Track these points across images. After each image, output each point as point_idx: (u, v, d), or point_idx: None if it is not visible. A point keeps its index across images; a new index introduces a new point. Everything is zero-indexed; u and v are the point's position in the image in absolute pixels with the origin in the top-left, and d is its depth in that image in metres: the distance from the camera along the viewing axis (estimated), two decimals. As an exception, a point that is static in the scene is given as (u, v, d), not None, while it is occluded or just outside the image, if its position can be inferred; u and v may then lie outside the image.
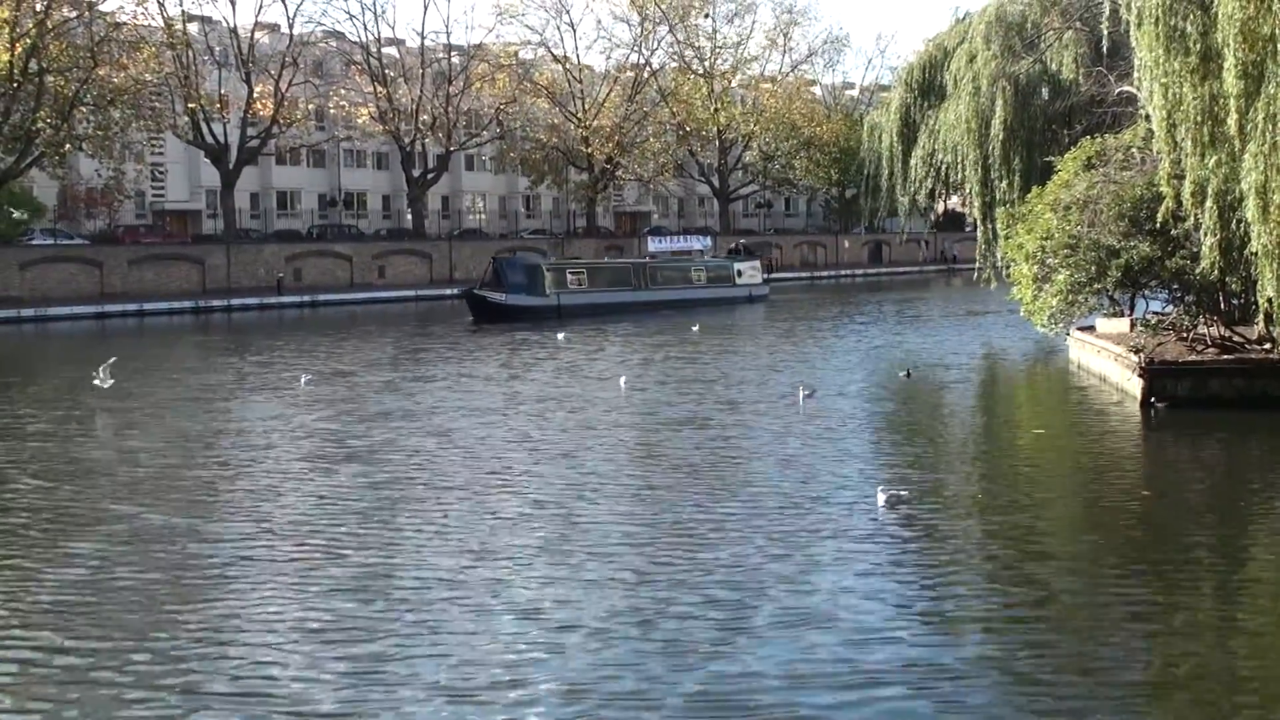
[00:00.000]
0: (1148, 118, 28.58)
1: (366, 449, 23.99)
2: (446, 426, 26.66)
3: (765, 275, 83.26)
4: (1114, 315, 34.80)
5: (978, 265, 46.64)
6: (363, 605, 13.88)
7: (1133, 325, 33.02)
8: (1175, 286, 30.72)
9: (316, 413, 29.03)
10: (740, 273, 78.61)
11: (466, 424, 27.00)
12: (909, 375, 33.69)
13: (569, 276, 67.65)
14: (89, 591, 14.73)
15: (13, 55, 69.66)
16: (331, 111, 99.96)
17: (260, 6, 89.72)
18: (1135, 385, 27.77)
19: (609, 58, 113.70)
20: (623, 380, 33.03)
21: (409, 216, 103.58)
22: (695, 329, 51.66)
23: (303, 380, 34.78)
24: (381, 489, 20.07)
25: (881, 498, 18.21)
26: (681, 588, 14.32)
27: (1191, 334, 29.83)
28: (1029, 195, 36.37)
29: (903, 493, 18.34)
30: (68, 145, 74.76)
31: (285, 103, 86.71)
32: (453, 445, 24.35)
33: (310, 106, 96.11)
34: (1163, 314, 32.73)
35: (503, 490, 19.80)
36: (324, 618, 13.50)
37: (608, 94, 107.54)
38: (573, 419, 27.60)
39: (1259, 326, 28.38)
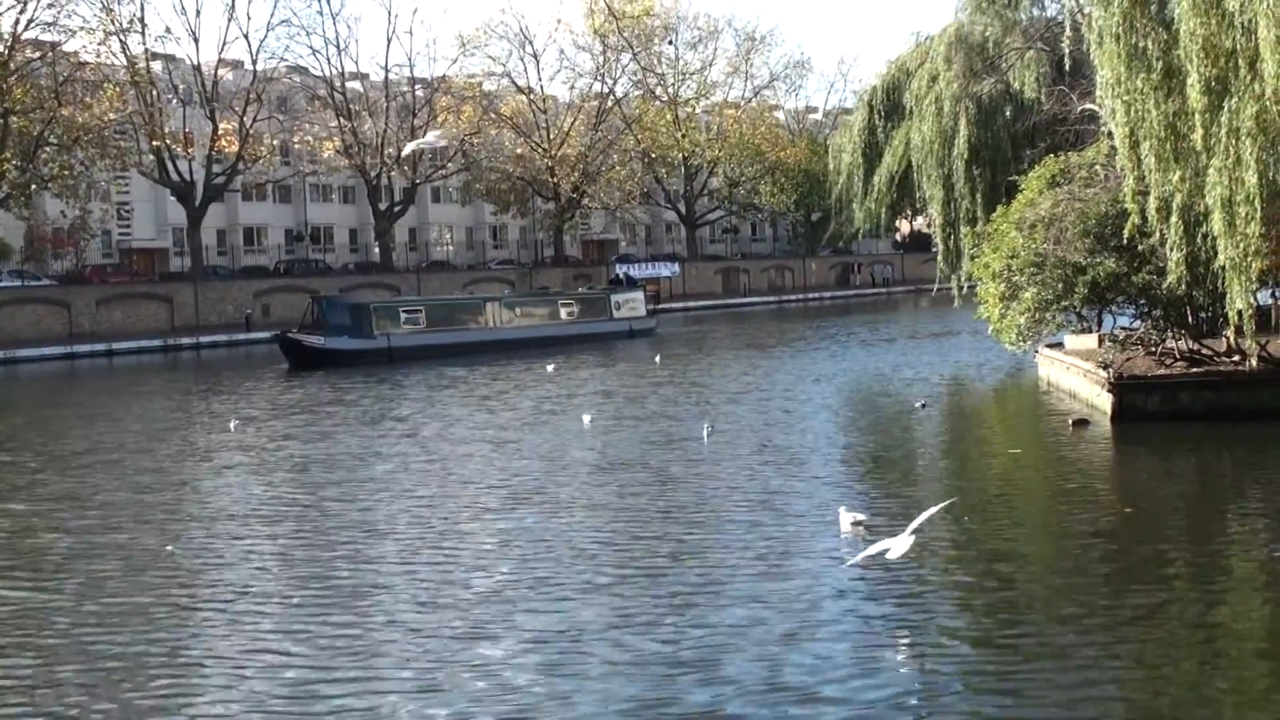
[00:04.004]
0: (1110, 135, 28.81)
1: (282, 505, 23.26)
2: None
3: (651, 307, 75.22)
4: (1082, 331, 34.98)
5: (938, 284, 46.83)
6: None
7: (1101, 341, 33.21)
8: (1142, 301, 30.90)
9: (229, 463, 27.60)
10: (618, 305, 70.79)
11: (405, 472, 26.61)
12: (924, 406, 32.20)
13: (402, 315, 60.97)
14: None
15: (-25, 98, 69.56)
16: (296, 146, 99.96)
17: (223, 44, 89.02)
18: (1105, 401, 27.95)
19: (573, 87, 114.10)
20: (586, 417, 31.72)
21: (376, 250, 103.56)
22: (658, 359, 50.06)
23: (232, 425, 33.49)
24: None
25: (845, 520, 18.05)
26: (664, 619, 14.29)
27: (1160, 348, 30.01)
28: (994, 214, 36.57)
29: (861, 516, 18.15)
30: (33, 186, 74.63)
31: (250, 139, 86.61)
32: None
33: (275, 142, 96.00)
34: (1130, 329, 32.91)
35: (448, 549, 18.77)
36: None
37: (572, 123, 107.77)
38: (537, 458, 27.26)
39: (1227, 339, 28.59)
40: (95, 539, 19.76)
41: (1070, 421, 27.76)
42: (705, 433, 27.87)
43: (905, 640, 13.38)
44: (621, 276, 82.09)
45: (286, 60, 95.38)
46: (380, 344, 57.72)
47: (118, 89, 78.09)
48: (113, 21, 78.19)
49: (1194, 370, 28.33)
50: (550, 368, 48.04)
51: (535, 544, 18.00)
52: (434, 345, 58.62)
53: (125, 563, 18.04)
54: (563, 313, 67.93)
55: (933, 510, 15.16)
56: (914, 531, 14.83)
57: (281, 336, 58.07)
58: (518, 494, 22.19)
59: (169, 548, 18.66)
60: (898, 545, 14.71)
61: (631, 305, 71.55)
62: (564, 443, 28.32)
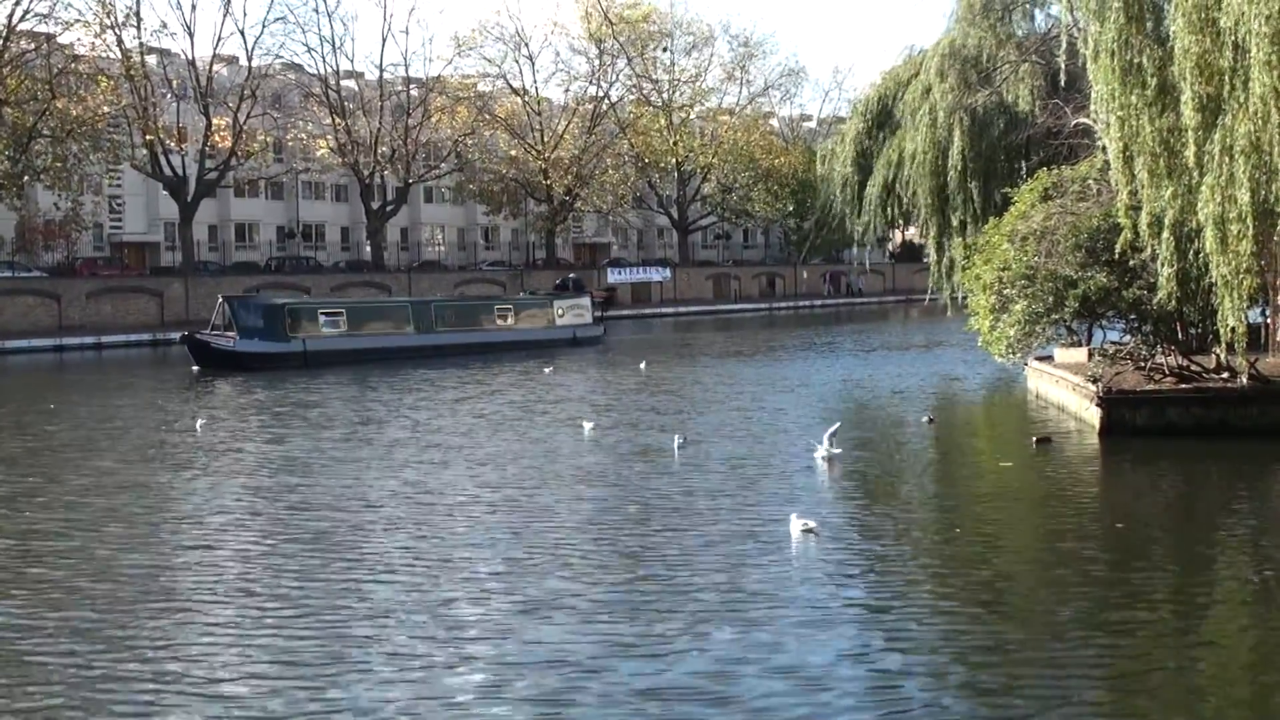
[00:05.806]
0: (1104, 149, 28.91)
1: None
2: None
3: (599, 313, 71.57)
4: (1072, 345, 34.98)
5: (930, 295, 46.88)
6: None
7: (1090, 355, 33.21)
8: (1132, 316, 30.98)
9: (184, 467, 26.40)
10: (561, 311, 67.04)
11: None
12: (930, 421, 31.33)
13: (321, 318, 57.56)
14: None
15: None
16: (290, 143, 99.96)
17: (218, 39, 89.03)
18: (1093, 415, 27.96)
19: (568, 90, 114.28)
20: (587, 426, 30.72)
21: (368, 249, 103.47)
22: (643, 366, 48.87)
23: (198, 424, 32.62)
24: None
25: (796, 527, 17.84)
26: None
27: (1149, 363, 30.00)
28: (986, 226, 36.63)
29: (812, 524, 17.92)
30: (26, 177, 74.49)
31: (243, 135, 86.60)
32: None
33: (268, 139, 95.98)
34: (1120, 344, 32.94)
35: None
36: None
37: (566, 126, 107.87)
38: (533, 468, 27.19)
39: (1216, 356, 28.63)
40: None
41: (1033, 440, 27.24)
42: (676, 445, 27.20)
43: (890, 657, 13.20)
44: (566, 282, 79.66)
45: (281, 57, 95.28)
46: (295, 347, 54.61)
47: (112, 82, 78.01)
48: (108, 15, 78.24)
49: (1183, 386, 28.30)
50: (548, 370, 47.69)
51: (487, 554, 17.81)
52: (355, 350, 55.98)
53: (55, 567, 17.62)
54: (498, 319, 64.87)
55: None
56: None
57: (189, 336, 55.71)
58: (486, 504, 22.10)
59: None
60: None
61: (576, 312, 68.21)
62: (542, 451, 28.20)
